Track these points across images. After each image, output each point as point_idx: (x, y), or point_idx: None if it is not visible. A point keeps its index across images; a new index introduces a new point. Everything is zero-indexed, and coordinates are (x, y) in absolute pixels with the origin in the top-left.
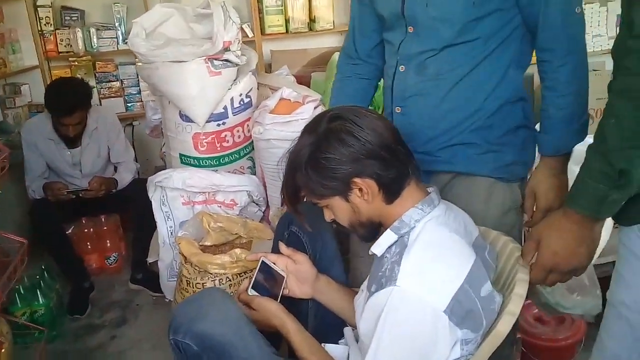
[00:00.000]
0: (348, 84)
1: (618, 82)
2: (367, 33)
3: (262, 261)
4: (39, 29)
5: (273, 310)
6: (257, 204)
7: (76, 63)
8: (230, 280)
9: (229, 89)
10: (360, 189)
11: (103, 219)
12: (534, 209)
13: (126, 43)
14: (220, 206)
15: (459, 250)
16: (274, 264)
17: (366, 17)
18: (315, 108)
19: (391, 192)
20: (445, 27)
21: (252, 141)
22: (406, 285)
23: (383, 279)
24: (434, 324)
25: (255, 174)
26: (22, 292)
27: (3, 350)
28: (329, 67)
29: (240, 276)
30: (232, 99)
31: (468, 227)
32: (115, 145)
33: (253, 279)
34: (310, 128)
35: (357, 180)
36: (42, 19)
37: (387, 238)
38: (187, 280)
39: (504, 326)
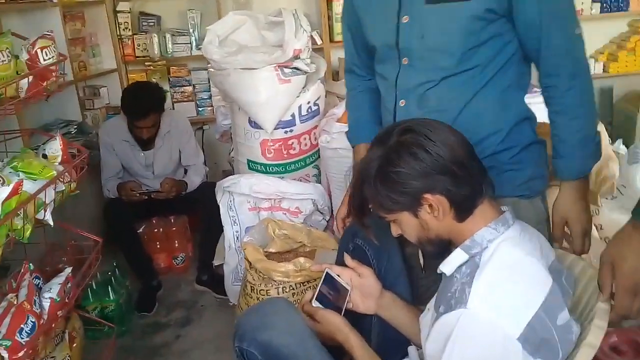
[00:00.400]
0: (366, 98)
1: None
2: (363, 56)
3: (327, 272)
4: (118, 33)
5: (337, 324)
6: (321, 213)
7: (152, 67)
8: (293, 289)
9: (298, 97)
10: (431, 205)
11: (172, 220)
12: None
13: (199, 49)
14: (285, 213)
15: (535, 274)
16: (339, 276)
17: (358, 42)
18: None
19: (463, 209)
20: (444, 57)
21: (319, 149)
22: (477, 307)
23: (452, 300)
24: (505, 349)
25: (320, 183)
26: (94, 287)
27: (75, 345)
28: None
29: (303, 285)
30: (300, 107)
31: (544, 250)
32: (186, 148)
33: (317, 290)
34: (380, 140)
35: (427, 196)
36: (121, 24)
37: (457, 257)
38: (251, 286)
39: (583, 359)
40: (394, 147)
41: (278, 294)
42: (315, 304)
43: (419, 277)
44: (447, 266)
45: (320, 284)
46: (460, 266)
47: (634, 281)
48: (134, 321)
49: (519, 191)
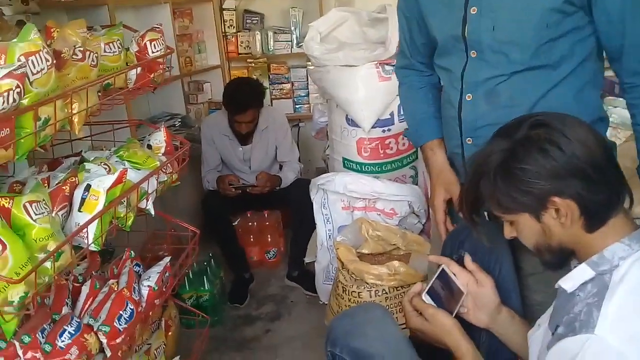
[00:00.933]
0: (430, 95)
1: None
2: (423, 50)
3: (443, 269)
4: (223, 31)
5: (449, 327)
6: (417, 216)
7: (253, 64)
8: (386, 293)
9: (397, 95)
10: (558, 210)
11: (266, 215)
12: None
13: (300, 47)
14: (379, 214)
15: None
16: (455, 276)
17: (419, 35)
18: None
19: (595, 219)
20: (516, 51)
21: (416, 150)
22: (607, 334)
23: (576, 323)
24: None
25: (417, 184)
26: (190, 277)
27: (170, 333)
28: None
29: (397, 290)
30: (399, 106)
31: None
32: (282, 144)
33: (429, 284)
34: (506, 132)
35: (555, 199)
36: (227, 21)
37: (581, 273)
38: (342, 287)
39: None
40: (522, 141)
41: (370, 297)
42: (426, 298)
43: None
44: (569, 282)
45: (433, 279)
46: (585, 283)
47: None
48: (226, 312)
49: None
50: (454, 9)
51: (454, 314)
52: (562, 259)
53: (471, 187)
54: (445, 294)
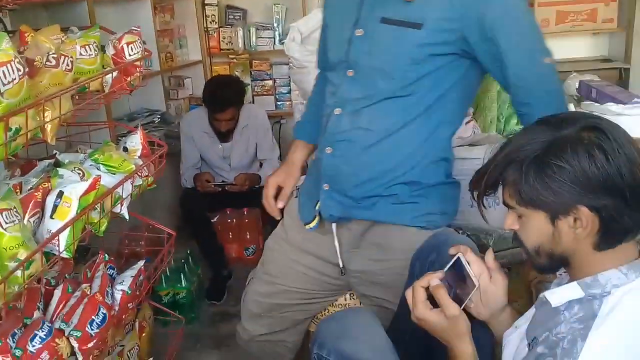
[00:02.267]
0: (320, 97)
1: None
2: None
3: (458, 258)
4: (205, 26)
5: (463, 332)
6: None
7: (235, 60)
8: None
9: None
10: (576, 220)
11: (245, 212)
12: None
13: (282, 44)
14: None
15: None
16: (469, 265)
17: (322, 44)
18: (466, 123)
19: (610, 240)
20: (384, 79)
21: None
22: None
23: (558, 349)
24: None
25: None
26: (167, 274)
27: (144, 334)
28: (485, 80)
29: None
30: None
31: None
32: (262, 142)
33: (443, 271)
34: (554, 123)
35: (582, 209)
36: (209, 16)
37: (571, 291)
38: None
39: None
40: (569, 138)
41: (345, 299)
42: (436, 284)
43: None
44: (556, 297)
45: (447, 268)
46: (572, 302)
47: None
48: (204, 309)
49: (416, 222)
50: (345, 28)
51: (462, 307)
52: (556, 265)
53: (496, 169)
54: (457, 284)
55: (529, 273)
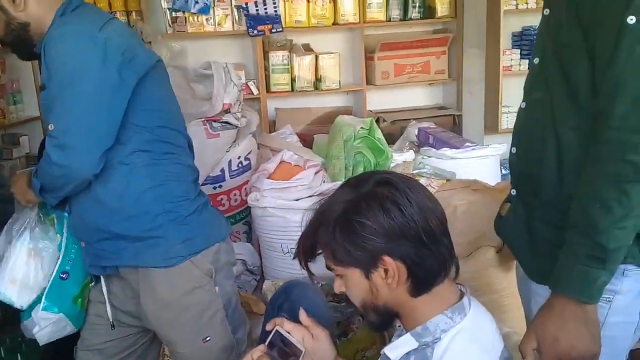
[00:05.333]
0: None
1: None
2: None
3: (276, 330)
4: (40, 80)
5: None
6: (251, 273)
7: None
8: None
9: (227, 151)
10: (386, 271)
11: None
12: None
13: None
14: None
15: None
16: (289, 334)
17: None
18: (316, 173)
19: (421, 285)
20: None
21: (248, 207)
22: None
23: None
24: None
25: (250, 241)
26: None
27: None
28: (332, 130)
29: None
30: (230, 162)
31: (495, 339)
32: None
33: (265, 345)
34: (353, 184)
35: (386, 259)
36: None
37: (406, 343)
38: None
39: None
40: (365, 196)
41: None
42: None
43: None
44: (394, 351)
45: (267, 342)
46: (408, 354)
47: (556, 351)
48: None
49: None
50: None
51: None
52: (387, 320)
53: (310, 233)
54: (283, 355)
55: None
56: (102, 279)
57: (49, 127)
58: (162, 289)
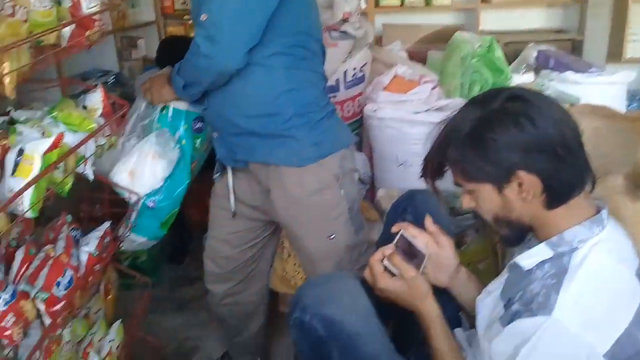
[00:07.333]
0: None
1: None
2: None
3: (401, 234)
4: None
5: (425, 292)
6: (362, 182)
7: (190, 22)
8: None
9: (344, 62)
10: (520, 184)
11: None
12: None
13: None
14: None
15: (626, 286)
16: (414, 238)
17: None
18: (432, 89)
19: (556, 198)
20: None
21: (361, 117)
22: (565, 319)
23: (534, 304)
24: None
25: (361, 150)
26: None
27: (109, 297)
28: (449, 46)
29: None
30: (345, 72)
31: (632, 255)
32: None
33: (393, 245)
34: (480, 101)
35: (521, 173)
36: None
37: (540, 252)
38: (288, 252)
39: None
40: (497, 111)
41: None
42: (387, 264)
43: None
44: (527, 260)
45: (393, 244)
46: (543, 262)
47: None
48: (165, 273)
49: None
50: None
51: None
52: (520, 234)
53: (438, 152)
54: (407, 258)
55: (495, 234)
56: (230, 171)
57: (201, 17)
58: (292, 186)
